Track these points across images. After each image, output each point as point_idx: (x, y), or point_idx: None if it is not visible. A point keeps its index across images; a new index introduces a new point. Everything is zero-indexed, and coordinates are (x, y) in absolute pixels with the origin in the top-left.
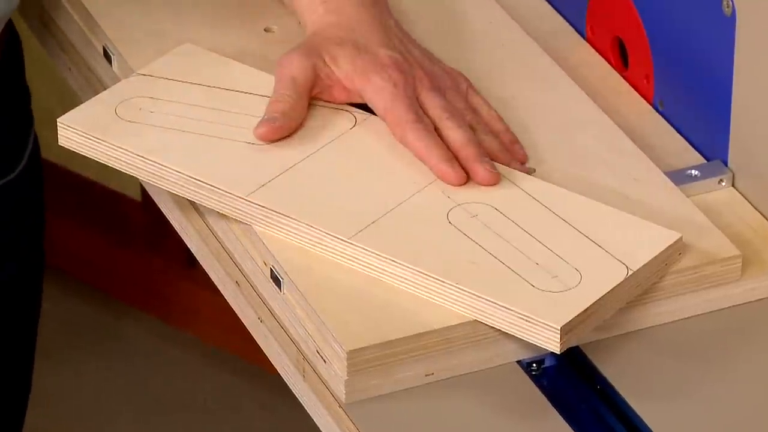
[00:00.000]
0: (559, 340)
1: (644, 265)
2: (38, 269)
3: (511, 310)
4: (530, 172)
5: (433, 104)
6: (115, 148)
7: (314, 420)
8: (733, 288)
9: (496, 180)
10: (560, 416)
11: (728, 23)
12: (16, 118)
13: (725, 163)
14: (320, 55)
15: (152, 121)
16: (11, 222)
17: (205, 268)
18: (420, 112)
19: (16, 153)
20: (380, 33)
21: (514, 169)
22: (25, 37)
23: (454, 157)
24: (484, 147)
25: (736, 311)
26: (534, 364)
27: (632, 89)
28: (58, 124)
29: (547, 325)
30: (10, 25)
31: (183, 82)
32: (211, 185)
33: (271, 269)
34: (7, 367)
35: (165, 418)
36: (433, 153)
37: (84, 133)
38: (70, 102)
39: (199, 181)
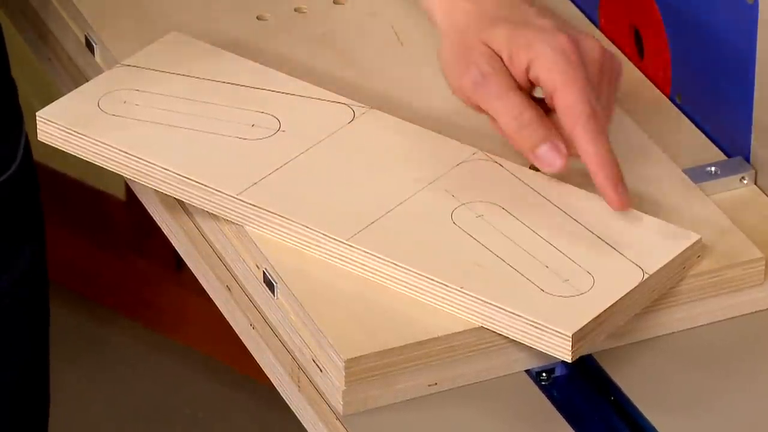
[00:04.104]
0: (570, 348)
1: (661, 269)
2: (42, 271)
3: (520, 316)
4: (539, 169)
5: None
6: (98, 143)
7: None
8: (755, 292)
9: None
10: (571, 428)
11: (750, 11)
12: (5, 114)
13: (747, 160)
14: (478, 47)
15: (137, 115)
16: (10, 224)
17: (193, 272)
18: (593, 99)
19: (9, 151)
20: (528, 7)
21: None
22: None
23: (622, 178)
24: None
25: (759, 317)
26: (544, 374)
27: (648, 81)
28: (37, 118)
29: (558, 332)
30: None
31: (170, 73)
32: (199, 183)
33: (263, 272)
34: (23, 379)
35: (151, 430)
36: (605, 170)
37: (65, 127)
38: (50, 95)
39: (188, 178)
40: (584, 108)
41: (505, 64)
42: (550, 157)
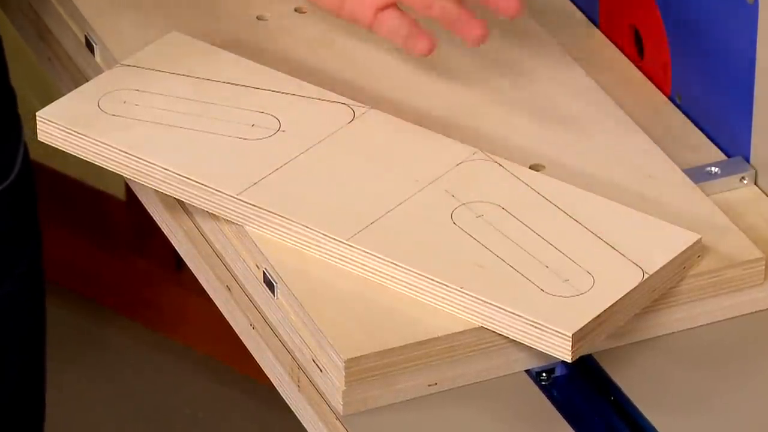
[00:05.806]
0: (570, 348)
1: (661, 269)
2: (39, 276)
3: (520, 316)
4: (539, 168)
5: None
6: (98, 143)
7: None
8: (755, 292)
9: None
10: (571, 428)
11: (750, 11)
12: (4, 122)
13: (747, 160)
14: None
15: (137, 115)
16: (9, 231)
17: (193, 272)
18: None
19: (7, 159)
20: None
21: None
22: (1, 27)
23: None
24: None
25: (759, 317)
26: (544, 374)
27: (648, 81)
28: (37, 118)
29: (558, 332)
30: None
31: (170, 73)
32: (199, 183)
33: (263, 272)
34: (20, 381)
35: (151, 430)
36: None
37: (65, 127)
38: (50, 95)
39: (187, 178)
40: None
41: None
42: (424, 39)
